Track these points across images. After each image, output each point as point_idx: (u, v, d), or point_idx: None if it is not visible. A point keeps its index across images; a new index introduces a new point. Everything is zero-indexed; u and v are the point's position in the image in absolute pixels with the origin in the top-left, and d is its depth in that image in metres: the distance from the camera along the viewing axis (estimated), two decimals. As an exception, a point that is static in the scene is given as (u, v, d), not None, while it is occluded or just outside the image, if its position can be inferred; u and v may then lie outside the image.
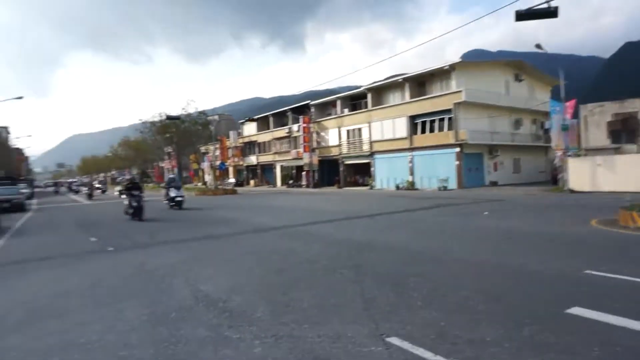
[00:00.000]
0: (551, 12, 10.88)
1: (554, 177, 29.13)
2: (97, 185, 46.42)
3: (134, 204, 15.49)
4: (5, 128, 67.93)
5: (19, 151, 76.21)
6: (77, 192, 47.81)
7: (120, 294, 5.52)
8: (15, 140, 72.27)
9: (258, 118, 52.55)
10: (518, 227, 10.54)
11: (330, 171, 41.18)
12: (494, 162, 32.31)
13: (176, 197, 19.64)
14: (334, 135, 40.36)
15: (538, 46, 23.37)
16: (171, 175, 27.93)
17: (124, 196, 17.53)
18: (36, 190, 58.31)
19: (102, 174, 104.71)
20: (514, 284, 5.29)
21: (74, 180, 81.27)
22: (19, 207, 23.29)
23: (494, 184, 31.34)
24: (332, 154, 40.77)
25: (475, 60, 54.90)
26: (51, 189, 65.96)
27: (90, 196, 32.43)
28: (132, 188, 16.08)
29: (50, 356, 3.65)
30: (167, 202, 20.45)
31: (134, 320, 4.47)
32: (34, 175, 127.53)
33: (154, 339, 3.93)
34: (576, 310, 4.20)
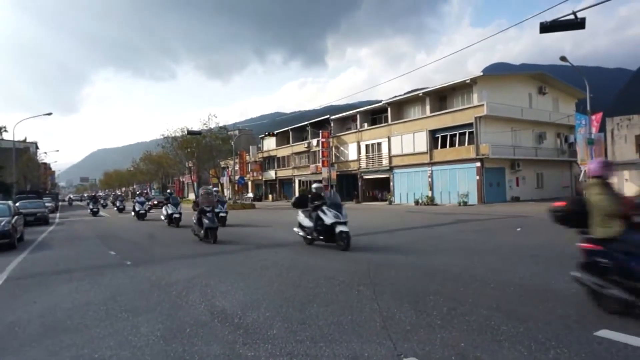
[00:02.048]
0: (578, 24, 10.45)
1: (578, 193, 28.38)
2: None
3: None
4: (35, 143, 70.24)
5: (45, 166, 78.48)
6: (142, 214, 24.77)
7: (136, 309, 5.51)
8: (43, 155, 74.46)
9: (278, 133, 52.94)
10: (543, 244, 10.23)
11: (349, 186, 41.10)
12: (516, 177, 31.73)
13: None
14: (353, 149, 40.37)
15: (563, 58, 23.00)
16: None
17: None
18: (60, 204, 59.58)
19: (123, 188, 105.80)
20: (539, 304, 5.07)
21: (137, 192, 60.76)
22: (43, 221, 23.95)
23: (515, 199, 30.72)
24: (350, 169, 40.72)
25: (498, 73, 54.32)
26: (85, 202, 51.37)
27: (174, 220, 19.11)
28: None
29: (64, 371, 3.63)
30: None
31: (148, 335, 4.44)
32: (59, 189, 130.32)
33: (167, 355, 3.88)
34: (605, 333, 3.99)
